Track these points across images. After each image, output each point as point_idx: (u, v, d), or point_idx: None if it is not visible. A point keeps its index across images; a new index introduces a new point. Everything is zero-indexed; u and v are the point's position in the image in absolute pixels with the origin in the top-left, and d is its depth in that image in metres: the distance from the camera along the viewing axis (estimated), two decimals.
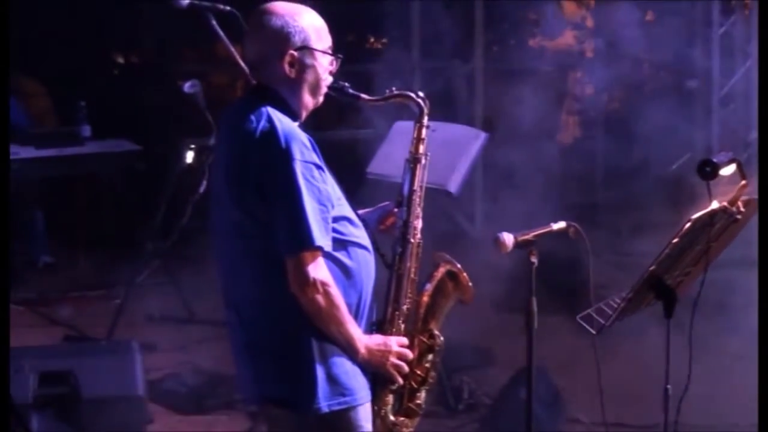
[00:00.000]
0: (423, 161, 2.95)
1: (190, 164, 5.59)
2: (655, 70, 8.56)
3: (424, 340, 2.92)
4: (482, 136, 3.64)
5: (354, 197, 2.88)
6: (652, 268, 3.04)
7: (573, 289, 4.61)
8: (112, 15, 8.26)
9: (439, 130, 3.27)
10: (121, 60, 9.04)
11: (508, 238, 3.05)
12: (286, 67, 2.74)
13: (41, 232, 7.24)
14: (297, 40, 2.73)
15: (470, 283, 2.96)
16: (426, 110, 2.95)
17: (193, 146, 5.57)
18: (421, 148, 2.95)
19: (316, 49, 2.76)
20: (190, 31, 7.19)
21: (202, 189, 5.21)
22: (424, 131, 2.96)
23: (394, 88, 2.94)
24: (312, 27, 2.77)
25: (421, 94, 2.96)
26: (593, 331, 3.09)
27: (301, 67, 2.75)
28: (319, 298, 2.65)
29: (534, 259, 3.03)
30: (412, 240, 2.91)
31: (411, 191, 2.92)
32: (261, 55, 2.76)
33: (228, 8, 3.94)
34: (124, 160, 6.88)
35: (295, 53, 2.74)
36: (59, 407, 4.20)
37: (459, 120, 3.58)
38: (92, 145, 6.76)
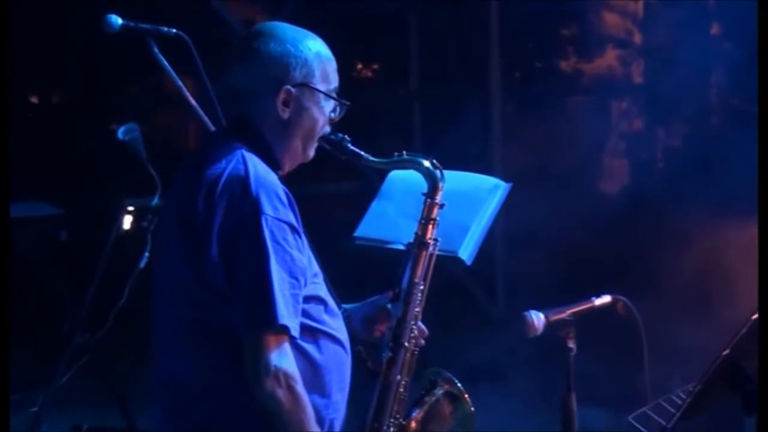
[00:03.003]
0: (431, 248, 2.99)
1: (127, 231, 5.61)
2: (724, 97, 8.63)
3: None
4: (502, 187, 3.66)
5: (335, 273, 2.90)
6: (725, 352, 3.06)
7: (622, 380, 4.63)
8: (25, 43, 8.34)
9: (446, 180, 3.31)
10: (36, 100, 9.11)
11: (538, 318, 3.08)
12: (279, 105, 2.80)
13: None
14: (297, 74, 2.81)
15: (473, 409, 2.98)
16: (441, 184, 3.00)
17: (131, 208, 5.59)
18: (430, 232, 2.99)
19: (318, 90, 2.83)
20: (128, 62, 7.25)
21: (143, 263, 5.23)
22: (435, 211, 3.01)
23: (404, 153, 2.98)
24: (318, 61, 2.84)
25: (436, 163, 3.00)
26: None
27: (297, 108, 2.82)
28: (280, 393, 2.64)
29: (572, 345, 3.06)
30: (406, 344, 2.93)
31: (411, 283, 2.96)
32: (249, 86, 2.81)
33: (173, 31, 3.98)
34: (42, 227, 6.90)
35: (293, 90, 2.80)
36: None
37: (471, 166, 3.61)
38: None
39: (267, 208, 2.66)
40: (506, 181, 3.67)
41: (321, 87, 2.84)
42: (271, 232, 2.65)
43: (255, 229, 2.65)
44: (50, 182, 7.56)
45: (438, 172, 3.00)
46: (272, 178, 2.74)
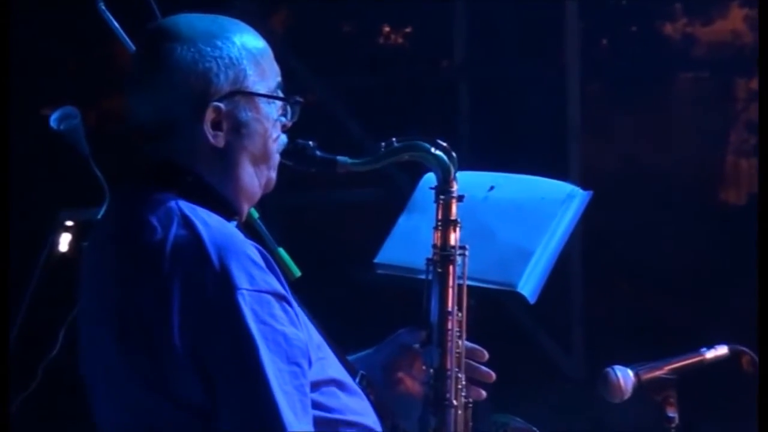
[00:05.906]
0: (458, 260, 3.01)
1: (64, 254, 5.67)
2: None
3: None
4: (579, 196, 3.69)
5: (350, 314, 2.93)
6: None
7: None
8: None
9: (501, 188, 3.34)
10: None
11: (626, 376, 3.10)
12: (208, 130, 2.76)
13: None
14: (223, 81, 2.77)
15: None
16: (454, 171, 3.01)
17: (69, 223, 5.65)
18: (453, 239, 3.01)
19: (257, 93, 2.81)
20: (67, 25, 7.33)
21: None
22: (454, 208, 3.01)
23: (393, 140, 2.98)
24: (247, 55, 2.81)
25: (443, 143, 3.02)
26: None
27: (234, 126, 2.79)
28: None
29: (672, 413, 3.08)
30: (454, 401, 2.95)
31: (444, 315, 2.98)
32: (162, 116, 2.79)
33: None
34: None
35: (222, 105, 2.77)
36: None
37: (537, 168, 3.64)
38: None
39: (240, 281, 2.63)
40: (585, 188, 3.71)
41: (259, 88, 2.81)
42: (253, 312, 2.62)
43: (231, 314, 2.61)
44: None
45: (446, 154, 2.99)
46: (233, 234, 2.72)
